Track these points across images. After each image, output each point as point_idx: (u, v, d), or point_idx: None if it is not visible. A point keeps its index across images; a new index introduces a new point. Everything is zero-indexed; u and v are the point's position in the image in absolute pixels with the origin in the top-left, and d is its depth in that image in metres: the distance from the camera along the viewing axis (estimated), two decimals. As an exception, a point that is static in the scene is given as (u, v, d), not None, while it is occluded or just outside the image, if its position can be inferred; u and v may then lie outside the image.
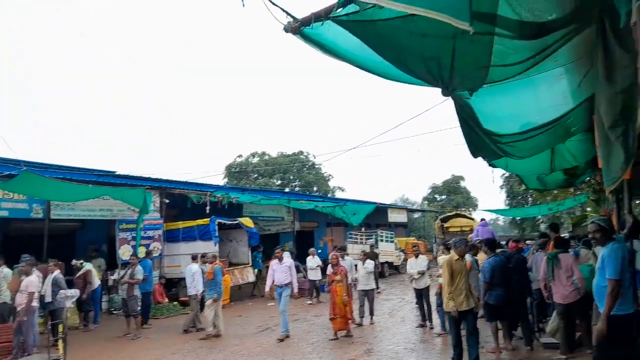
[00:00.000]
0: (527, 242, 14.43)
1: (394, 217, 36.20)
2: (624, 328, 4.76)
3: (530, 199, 36.83)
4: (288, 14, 3.16)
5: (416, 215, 54.81)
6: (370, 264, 11.51)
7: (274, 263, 10.82)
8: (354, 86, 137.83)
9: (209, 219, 15.91)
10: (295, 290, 10.87)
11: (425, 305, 10.64)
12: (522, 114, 5.15)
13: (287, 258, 11.22)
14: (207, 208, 16.29)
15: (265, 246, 19.92)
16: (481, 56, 3.42)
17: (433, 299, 10.56)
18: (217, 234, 15.95)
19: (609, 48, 3.16)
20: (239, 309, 15.13)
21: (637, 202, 18.91)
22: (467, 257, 8.03)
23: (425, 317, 10.62)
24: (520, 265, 8.67)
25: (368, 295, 11.39)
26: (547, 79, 4.47)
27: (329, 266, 10.56)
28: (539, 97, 4.82)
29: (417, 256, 10.91)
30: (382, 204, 33.03)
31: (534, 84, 4.51)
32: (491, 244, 8.58)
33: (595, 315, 6.05)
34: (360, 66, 3.83)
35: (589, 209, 20.75)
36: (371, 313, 11.50)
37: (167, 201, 16.58)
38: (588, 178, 12.48)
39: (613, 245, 4.83)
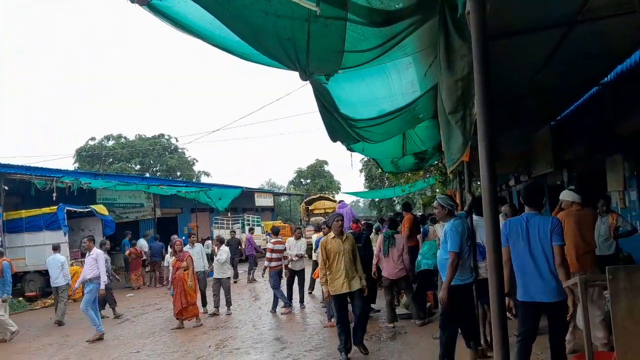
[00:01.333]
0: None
1: (261, 201, 36.41)
2: (464, 295, 5.29)
3: (386, 181, 39.19)
4: (133, -18, 2.92)
5: (283, 199, 55.63)
6: (224, 252, 10.84)
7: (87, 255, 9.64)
8: (217, 66, 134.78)
9: (56, 206, 14.61)
10: (102, 286, 9.27)
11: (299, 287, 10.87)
12: (375, 100, 5.38)
13: (96, 249, 9.74)
14: (54, 195, 14.91)
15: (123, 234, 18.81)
16: (335, 41, 3.47)
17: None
18: (66, 222, 14.73)
19: (449, 38, 3.39)
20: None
21: (479, 183, 21.07)
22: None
23: (292, 298, 10.80)
24: (367, 243, 9.32)
25: (222, 284, 10.87)
26: (397, 67, 4.71)
27: (169, 253, 10.05)
28: (390, 84, 5.06)
29: (298, 238, 11.02)
30: (248, 188, 32.97)
31: (385, 71, 4.72)
32: None
33: (440, 285, 6.62)
34: (217, 45, 3.68)
35: (437, 190, 22.66)
36: (228, 303, 10.96)
37: (7, 188, 14.94)
38: (436, 162, 13.56)
39: (454, 221, 5.29)
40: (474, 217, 6.17)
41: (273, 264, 10.59)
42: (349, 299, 6.73)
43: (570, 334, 5.46)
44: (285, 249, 10.89)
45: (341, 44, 3.53)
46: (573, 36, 4.85)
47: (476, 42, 2.18)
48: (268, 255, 10.67)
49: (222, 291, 10.93)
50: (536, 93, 6.90)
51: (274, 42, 3.55)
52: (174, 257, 10.03)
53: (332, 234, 6.73)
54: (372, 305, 9.37)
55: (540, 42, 5.06)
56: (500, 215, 7.30)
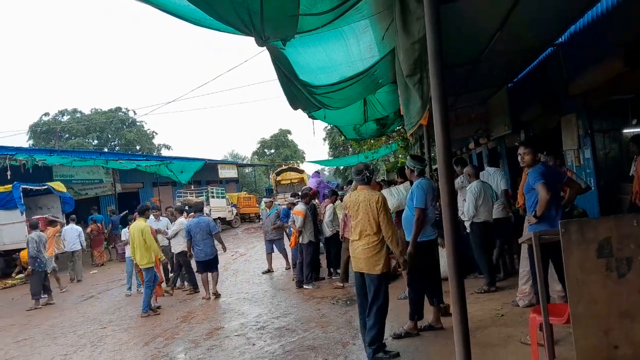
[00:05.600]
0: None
1: (225, 172, 36.11)
2: (429, 251, 5.41)
3: (350, 149, 39.34)
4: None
5: (247, 170, 55.26)
6: (179, 224, 10.09)
7: None
8: (173, 35, 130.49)
9: (11, 185, 14.11)
10: None
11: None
12: (334, 65, 5.32)
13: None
14: (8, 173, 14.37)
15: (83, 211, 18.38)
16: (289, 3, 3.39)
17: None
18: (22, 201, 14.26)
19: (404, 0, 3.37)
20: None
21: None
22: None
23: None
24: (314, 213, 9.71)
25: (180, 258, 10.19)
26: (354, 31, 4.65)
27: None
28: (348, 49, 5.00)
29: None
30: (211, 160, 32.60)
31: (342, 36, 4.66)
32: None
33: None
34: (166, 10, 3.54)
35: (400, 155, 22.91)
36: (184, 279, 10.49)
37: (-43, 167, 14.33)
38: (398, 127, 13.63)
39: (421, 181, 5.42)
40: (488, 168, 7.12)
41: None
42: None
43: (530, 287, 5.67)
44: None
45: (295, 6, 3.45)
46: (527, -3, 4.88)
47: (428, 3, 2.15)
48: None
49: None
50: (493, 56, 6.96)
51: (227, 6, 3.44)
52: None
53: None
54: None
55: (495, 4, 5.08)
56: (462, 175, 7.47)
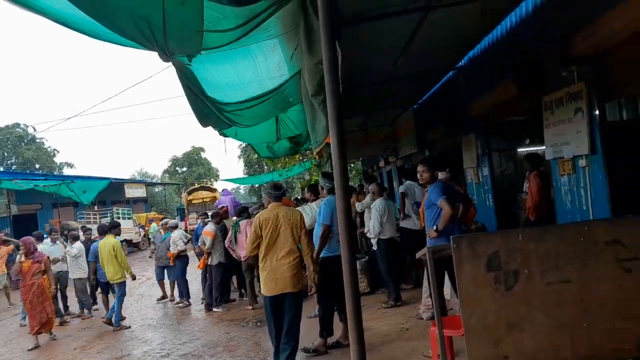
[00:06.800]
0: None
1: (132, 192, 34.71)
2: (335, 267, 5.44)
3: (265, 167, 39.27)
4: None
5: (157, 189, 53.43)
6: (75, 247, 9.68)
7: None
8: (77, 47, 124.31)
9: None
10: None
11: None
12: (243, 83, 5.30)
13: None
14: None
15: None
16: (193, 19, 3.33)
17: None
18: None
19: (309, 20, 3.42)
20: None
21: (351, 164, 21.93)
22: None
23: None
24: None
25: (75, 284, 9.70)
26: (263, 50, 4.65)
27: (19, 255, 8.14)
28: (257, 67, 4.99)
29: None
30: (117, 179, 31.21)
31: (251, 53, 4.64)
32: None
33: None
34: (62, 22, 3.34)
35: (314, 173, 23.16)
36: (83, 306, 9.86)
37: None
38: (311, 145, 13.74)
39: (329, 198, 5.55)
40: (409, 181, 7.27)
41: None
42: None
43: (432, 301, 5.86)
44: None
45: (200, 22, 3.39)
46: (428, 23, 5.15)
47: (324, 26, 2.19)
48: None
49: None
50: (398, 78, 7.25)
51: (127, 20, 3.30)
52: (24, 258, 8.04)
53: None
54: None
55: (398, 28, 5.31)
56: (369, 194, 7.66)
